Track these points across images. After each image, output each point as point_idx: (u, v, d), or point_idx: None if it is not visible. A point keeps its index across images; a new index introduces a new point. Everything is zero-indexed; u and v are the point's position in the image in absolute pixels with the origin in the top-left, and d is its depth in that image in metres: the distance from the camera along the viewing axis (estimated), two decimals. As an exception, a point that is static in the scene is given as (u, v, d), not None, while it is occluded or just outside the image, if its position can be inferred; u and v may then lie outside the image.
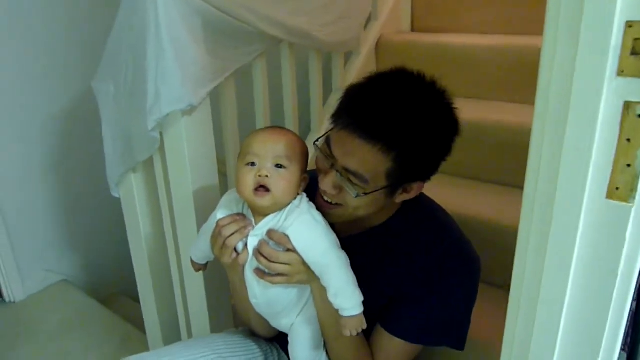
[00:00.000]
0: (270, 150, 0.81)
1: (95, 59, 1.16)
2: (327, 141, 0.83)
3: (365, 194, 0.79)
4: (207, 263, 0.98)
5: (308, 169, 0.88)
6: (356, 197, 0.80)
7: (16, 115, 1.65)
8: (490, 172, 1.44)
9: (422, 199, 0.91)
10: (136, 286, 1.39)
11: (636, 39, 0.44)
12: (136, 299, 1.47)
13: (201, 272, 1.16)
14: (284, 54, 1.39)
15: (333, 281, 0.81)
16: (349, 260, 0.83)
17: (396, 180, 0.80)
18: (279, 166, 0.81)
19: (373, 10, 1.76)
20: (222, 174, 1.34)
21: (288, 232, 0.81)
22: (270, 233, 0.82)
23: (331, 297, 0.81)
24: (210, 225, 0.89)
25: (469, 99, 1.58)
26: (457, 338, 0.89)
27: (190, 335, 1.33)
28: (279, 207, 0.83)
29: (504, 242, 1.21)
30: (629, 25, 0.44)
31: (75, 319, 1.74)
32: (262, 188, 0.80)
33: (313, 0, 1.34)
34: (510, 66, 1.55)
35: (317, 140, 0.87)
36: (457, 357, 0.96)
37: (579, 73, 0.46)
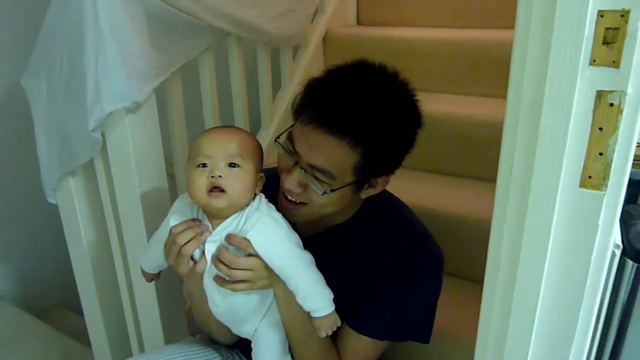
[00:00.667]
0: (222, 149, 0.77)
1: (25, 53, 1.06)
2: (290, 137, 0.80)
3: (333, 190, 0.77)
4: (159, 272, 0.92)
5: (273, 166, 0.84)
6: (323, 194, 0.77)
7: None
8: (443, 164, 1.47)
9: (384, 195, 0.91)
10: (76, 296, 1.30)
11: (607, 29, 0.44)
12: (77, 311, 1.37)
13: (154, 289, 1.10)
14: (231, 48, 1.34)
15: (300, 283, 0.78)
16: (313, 260, 0.80)
17: (363, 174, 0.78)
18: (232, 165, 0.77)
19: (320, 4, 1.74)
20: (170, 175, 1.28)
21: (248, 236, 0.77)
22: (229, 238, 0.78)
23: (300, 300, 0.79)
24: (162, 234, 0.83)
25: (417, 91, 1.59)
26: (423, 332, 0.89)
27: (141, 347, 1.25)
28: (235, 208, 0.79)
29: (464, 233, 1.25)
30: (601, 14, 0.44)
31: (11, 337, 1.60)
32: (216, 189, 0.76)
33: (260, -8, 1.30)
34: (458, 59, 1.58)
35: (278, 137, 0.84)
36: (422, 350, 0.96)
37: (552, 63, 0.46)
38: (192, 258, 0.79)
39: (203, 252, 0.79)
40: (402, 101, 0.79)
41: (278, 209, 0.83)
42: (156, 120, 1.04)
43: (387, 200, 0.92)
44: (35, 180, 1.17)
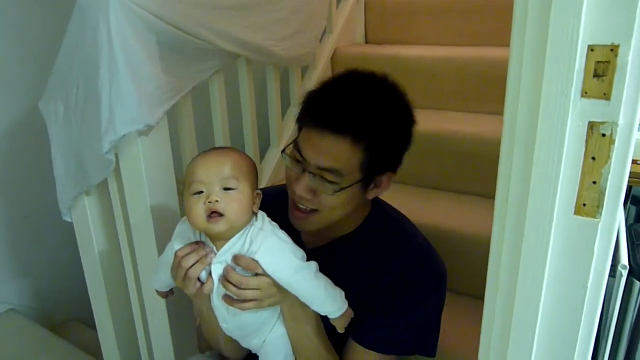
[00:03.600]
0: (215, 174, 0.78)
1: (43, 75, 1.10)
2: (296, 146, 0.83)
3: (342, 189, 0.80)
4: (173, 289, 0.94)
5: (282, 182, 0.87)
6: (333, 194, 0.80)
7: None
8: (449, 181, 1.47)
9: (387, 209, 0.93)
10: (91, 311, 1.32)
11: (598, 62, 0.46)
12: (91, 325, 1.39)
13: (164, 305, 1.12)
14: (241, 70, 1.37)
15: (312, 295, 0.81)
16: (317, 266, 0.83)
17: (370, 171, 0.81)
18: (227, 189, 0.78)
19: (328, 24, 1.77)
20: (182, 195, 1.30)
21: (257, 257, 0.79)
22: (237, 259, 0.79)
23: (316, 309, 0.82)
24: (167, 257, 0.85)
25: (425, 109, 1.61)
26: (429, 346, 0.90)
27: (152, 362, 1.27)
28: (236, 230, 0.80)
29: (466, 250, 1.25)
30: (591, 49, 0.45)
31: (25, 350, 1.63)
32: (215, 214, 0.77)
33: (269, 15, 1.33)
34: (465, 77, 1.59)
35: (284, 150, 0.87)
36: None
37: (545, 95, 0.47)
38: (199, 279, 0.81)
39: (210, 274, 0.81)
40: (395, 99, 0.84)
41: (285, 223, 0.85)
42: (168, 142, 1.07)
43: (391, 215, 0.94)
44: (52, 198, 1.21)
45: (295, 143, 0.84)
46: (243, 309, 0.80)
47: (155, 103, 0.99)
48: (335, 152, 0.79)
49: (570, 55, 0.46)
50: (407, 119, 0.85)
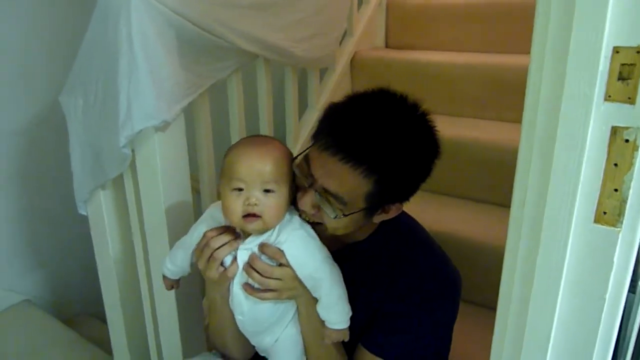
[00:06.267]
0: (257, 175, 0.77)
1: (63, 70, 1.12)
2: (306, 159, 0.81)
3: (345, 215, 0.78)
4: (179, 280, 0.94)
5: None
6: (335, 218, 0.78)
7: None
8: (467, 189, 1.45)
9: (402, 217, 0.91)
10: (103, 306, 1.33)
11: (623, 65, 0.44)
12: (103, 320, 1.40)
13: (173, 292, 1.12)
14: (259, 69, 1.37)
15: (324, 295, 0.81)
16: (341, 275, 0.82)
17: (375, 202, 0.79)
18: (267, 190, 0.78)
19: (348, 27, 1.77)
20: (196, 191, 1.31)
21: (283, 248, 0.80)
22: (263, 247, 0.80)
23: (320, 309, 0.81)
24: (190, 239, 0.85)
25: (443, 115, 1.60)
26: (440, 355, 0.88)
27: (160, 358, 1.27)
28: (269, 229, 0.81)
29: (482, 259, 1.23)
30: (616, 50, 0.44)
31: (38, 341, 1.64)
32: (250, 215, 0.78)
33: (289, 16, 1.33)
34: (484, 84, 1.57)
35: (295, 158, 0.85)
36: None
37: (566, 98, 0.46)
38: (222, 264, 0.81)
39: (234, 259, 0.81)
40: (420, 132, 0.79)
41: None
42: (184, 138, 1.07)
43: (404, 222, 0.92)
44: (70, 192, 1.22)
45: (306, 157, 0.81)
46: (262, 299, 0.81)
47: (172, 99, 0.99)
48: (343, 179, 0.76)
49: (594, 57, 0.44)
50: (429, 155, 0.80)
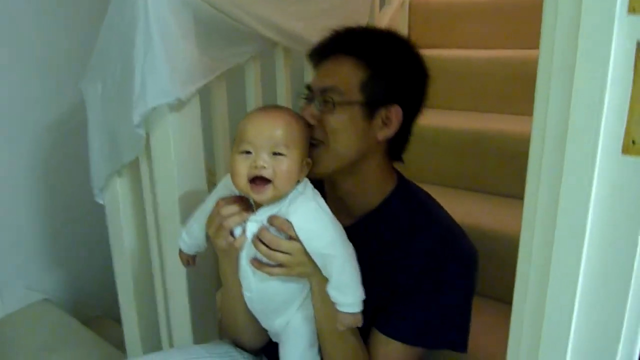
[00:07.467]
0: (266, 137, 0.75)
1: (82, 61, 1.13)
2: (308, 87, 0.88)
3: (343, 104, 0.81)
4: (195, 257, 0.91)
5: None
6: (334, 109, 0.81)
7: (3, 123, 1.61)
8: (491, 183, 1.39)
9: (412, 187, 0.90)
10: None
11: (648, -28, 0.40)
12: (120, 322, 1.39)
13: (186, 287, 1.09)
14: (278, 57, 1.36)
15: (335, 275, 0.75)
16: (355, 254, 0.77)
17: (370, 95, 0.81)
18: (276, 154, 0.75)
19: (370, 22, 1.75)
20: (212, 184, 1.29)
21: (291, 219, 0.75)
22: (271, 218, 0.76)
23: (330, 289, 0.75)
24: (207, 207, 0.83)
25: (469, 111, 1.56)
26: (458, 341, 0.83)
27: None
28: (279, 198, 0.77)
29: (505, 254, 1.16)
30: (640, -44, 0.40)
31: (55, 340, 1.64)
32: (259, 180, 0.74)
33: (311, 6, 1.33)
34: (508, 79, 1.53)
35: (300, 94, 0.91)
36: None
37: (586, 11, 0.42)
38: (232, 235, 0.79)
39: (244, 231, 0.78)
40: (405, 41, 0.90)
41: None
42: (199, 121, 1.06)
43: (416, 193, 0.90)
44: (90, 192, 1.23)
45: (308, 85, 0.89)
46: (270, 274, 0.77)
47: (187, 78, 0.99)
48: (336, 71, 0.84)
49: (616, -35, 0.41)
50: (414, 53, 0.88)
